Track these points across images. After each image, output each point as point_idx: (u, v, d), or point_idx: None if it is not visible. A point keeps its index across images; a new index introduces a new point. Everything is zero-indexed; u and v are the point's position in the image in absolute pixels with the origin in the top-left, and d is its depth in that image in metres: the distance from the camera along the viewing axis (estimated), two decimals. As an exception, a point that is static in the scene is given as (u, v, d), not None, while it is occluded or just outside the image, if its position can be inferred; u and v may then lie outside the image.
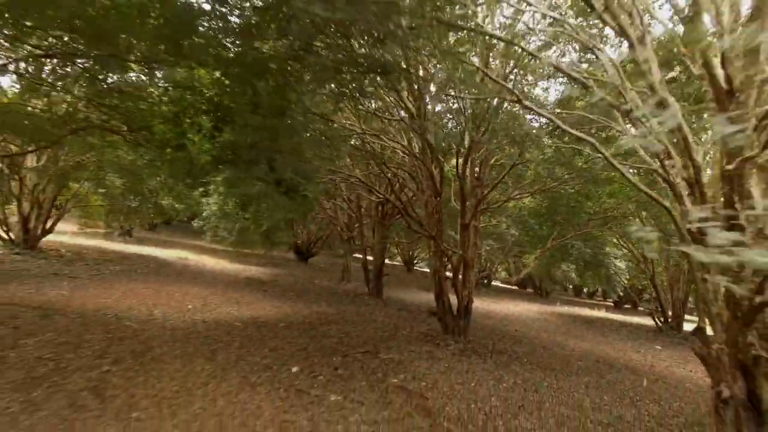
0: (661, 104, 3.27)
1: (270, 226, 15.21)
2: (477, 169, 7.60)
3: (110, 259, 11.82)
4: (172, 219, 22.12)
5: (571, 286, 28.88)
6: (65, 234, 14.68)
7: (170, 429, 3.21)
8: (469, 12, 4.62)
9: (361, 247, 13.10)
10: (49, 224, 11.22)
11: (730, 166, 3.00)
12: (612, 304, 23.98)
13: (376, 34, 3.71)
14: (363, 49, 4.05)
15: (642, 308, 21.68)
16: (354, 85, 4.62)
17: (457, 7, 4.14)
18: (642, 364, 8.06)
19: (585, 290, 30.99)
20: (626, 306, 23.70)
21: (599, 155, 5.21)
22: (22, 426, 2.91)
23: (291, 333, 6.68)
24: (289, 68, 5.05)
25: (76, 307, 6.21)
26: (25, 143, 6.09)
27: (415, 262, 27.36)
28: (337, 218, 13.85)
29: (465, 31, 4.98)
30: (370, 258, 12.69)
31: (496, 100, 5.41)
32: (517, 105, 5.27)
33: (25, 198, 10.23)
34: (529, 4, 5.43)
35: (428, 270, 27.64)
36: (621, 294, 20.62)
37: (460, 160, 6.57)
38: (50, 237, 11.73)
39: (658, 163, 3.85)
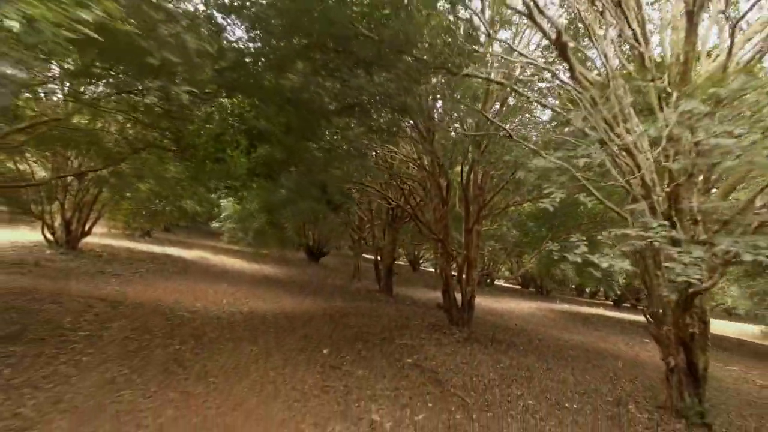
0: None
1: (287, 229, 16.27)
2: (479, 178, 8.54)
3: (141, 258, 12.83)
4: (193, 221, 23.08)
5: (573, 286, 29.64)
6: (95, 235, 15.73)
7: (241, 389, 4.18)
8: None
9: (373, 248, 14.08)
10: (87, 227, 12.27)
11: (668, 189, 3.97)
12: (612, 303, 24.78)
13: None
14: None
15: (642, 307, 22.48)
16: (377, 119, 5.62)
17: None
18: (628, 353, 8.98)
19: (587, 290, 31.79)
20: (626, 305, 24.49)
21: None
22: (137, 383, 3.89)
23: (316, 323, 7.66)
24: (317, 101, 6.05)
25: (133, 300, 7.21)
26: (93, 160, 7.11)
27: (420, 262, 28.28)
28: (349, 221, 14.81)
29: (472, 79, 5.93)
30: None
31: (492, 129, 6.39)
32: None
33: (68, 202, 11.27)
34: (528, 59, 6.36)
35: (432, 270, 28.63)
36: (619, 293, 21.46)
37: (465, 173, 7.52)
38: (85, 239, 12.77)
39: (625, 181, 4.78)
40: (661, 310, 4.62)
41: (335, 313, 8.79)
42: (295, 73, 5.67)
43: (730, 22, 4.62)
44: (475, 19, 5.62)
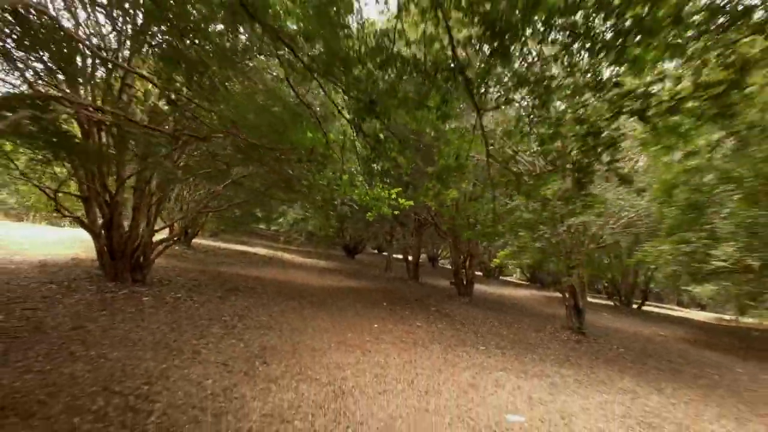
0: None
1: (332, 231, 20.82)
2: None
3: (232, 254, 17.57)
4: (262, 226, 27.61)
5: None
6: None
7: (345, 317, 8.70)
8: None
9: (403, 246, 18.58)
10: (178, 230, 17.05)
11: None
12: (598, 292, 28.74)
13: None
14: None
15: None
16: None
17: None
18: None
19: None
20: (609, 293, 28.48)
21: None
22: (291, 316, 8.45)
23: (374, 293, 12.18)
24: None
25: (269, 280, 11.84)
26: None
27: (438, 259, 32.70)
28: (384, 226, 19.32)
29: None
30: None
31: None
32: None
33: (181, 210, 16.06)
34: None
35: (449, 266, 33.07)
36: (607, 285, 25.50)
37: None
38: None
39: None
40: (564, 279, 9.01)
41: (383, 289, 13.31)
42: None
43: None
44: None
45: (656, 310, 22.96)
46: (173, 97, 4.73)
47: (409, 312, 9.67)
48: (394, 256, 24.01)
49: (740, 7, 2.67)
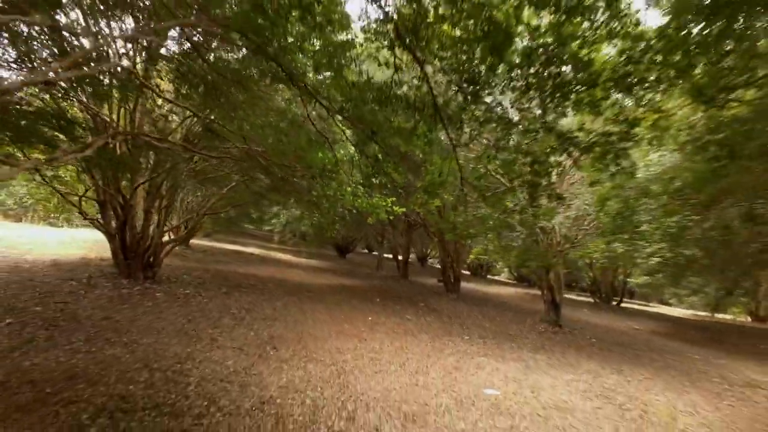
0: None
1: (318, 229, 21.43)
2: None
3: (228, 253, 18.13)
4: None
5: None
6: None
7: (339, 312, 9.38)
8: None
9: (393, 246, 19.31)
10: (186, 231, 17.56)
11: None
12: (583, 290, 29.80)
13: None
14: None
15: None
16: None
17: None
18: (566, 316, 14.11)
19: (574, 284, 36.89)
20: (591, 291, 29.63)
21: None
22: (292, 309, 9.12)
23: (366, 290, 12.87)
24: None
25: (268, 278, 12.45)
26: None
27: (427, 258, 33.50)
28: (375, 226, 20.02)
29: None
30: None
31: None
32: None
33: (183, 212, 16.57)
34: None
35: (437, 266, 33.95)
36: (589, 283, 26.56)
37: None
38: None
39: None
40: (543, 276, 9.82)
41: (375, 287, 14.01)
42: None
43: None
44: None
45: (635, 306, 24.02)
46: (210, 125, 5.41)
47: (400, 307, 10.39)
48: (385, 255, 24.75)
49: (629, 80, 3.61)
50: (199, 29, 4.34)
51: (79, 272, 8.00)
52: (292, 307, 8.45)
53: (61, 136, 5.64)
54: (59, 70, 2.64)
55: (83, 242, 12.49)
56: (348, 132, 5.71)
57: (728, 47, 3.61)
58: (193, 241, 19.40)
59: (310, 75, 4.53)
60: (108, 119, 6.53)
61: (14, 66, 4.70)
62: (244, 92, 4.62)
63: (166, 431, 2.96)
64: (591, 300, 21.30)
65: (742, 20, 3.28)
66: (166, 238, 9.34)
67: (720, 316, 26.20)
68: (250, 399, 3.74)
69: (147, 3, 4.76)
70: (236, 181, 9.35)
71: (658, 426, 4.49)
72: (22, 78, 2.81)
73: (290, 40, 3.78)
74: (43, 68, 3.77)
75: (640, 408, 5.02)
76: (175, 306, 6.84)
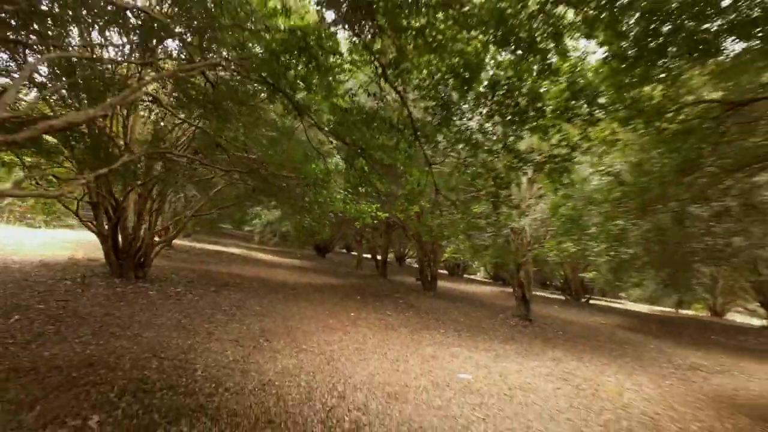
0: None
1: (305, 232, 21.84)
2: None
3: (209, 254, 18.32)
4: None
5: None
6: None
7: (323, 309, 9.89)
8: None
9: (372, 246, 19.87)
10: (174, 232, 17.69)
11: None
12: (557, 288, 31.03)
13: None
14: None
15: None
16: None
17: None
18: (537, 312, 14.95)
19: (548, 282, 38.29)
20: (562, 289, 30.97)
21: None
22: (278, 307, 9.59)
23: (347, 288, 13.39)
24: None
25: (252, 277, 12.81)
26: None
27: (405, 258, 34.22)
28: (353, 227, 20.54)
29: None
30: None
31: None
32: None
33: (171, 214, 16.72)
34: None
35: (415, 265, 34.76)
36: (561, 282, 27.77)
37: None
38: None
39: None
40: (514, 274, 10.54)
41: (355, 285, 14.54)
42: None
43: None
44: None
45: (604, 303, 25.28)
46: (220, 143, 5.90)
47: (380, 304, 10.96)
48: (364, 255, 25.31)
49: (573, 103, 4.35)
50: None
51: (71, 272, 8.26)
52: (279, 304, 8.90)
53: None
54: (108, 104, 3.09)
55: (66, 243, 12.59)
56: (338, 147, 6.36)
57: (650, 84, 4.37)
58: (176, 242, 19.49)
59: (313, 106, 5.17)
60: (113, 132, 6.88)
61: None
62: (249, 114, 5.16)
63: (184, 406, 3.44)
64: (562, 297, 22.36)
65: (660, 65, 3.99)
66: (156, 239, 9.63)
67: (684, 312, 27.89)
68: (252, 382, 4.24)
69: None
70: (222, 185, 9.76)
71: (606, 401, 5.20)
72: (97, 110, 3.20)
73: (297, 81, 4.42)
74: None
75: (593, 387, 5.74)
76: (169, 303, 7.22)
